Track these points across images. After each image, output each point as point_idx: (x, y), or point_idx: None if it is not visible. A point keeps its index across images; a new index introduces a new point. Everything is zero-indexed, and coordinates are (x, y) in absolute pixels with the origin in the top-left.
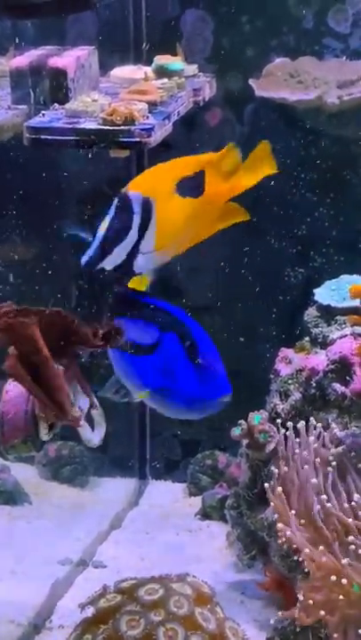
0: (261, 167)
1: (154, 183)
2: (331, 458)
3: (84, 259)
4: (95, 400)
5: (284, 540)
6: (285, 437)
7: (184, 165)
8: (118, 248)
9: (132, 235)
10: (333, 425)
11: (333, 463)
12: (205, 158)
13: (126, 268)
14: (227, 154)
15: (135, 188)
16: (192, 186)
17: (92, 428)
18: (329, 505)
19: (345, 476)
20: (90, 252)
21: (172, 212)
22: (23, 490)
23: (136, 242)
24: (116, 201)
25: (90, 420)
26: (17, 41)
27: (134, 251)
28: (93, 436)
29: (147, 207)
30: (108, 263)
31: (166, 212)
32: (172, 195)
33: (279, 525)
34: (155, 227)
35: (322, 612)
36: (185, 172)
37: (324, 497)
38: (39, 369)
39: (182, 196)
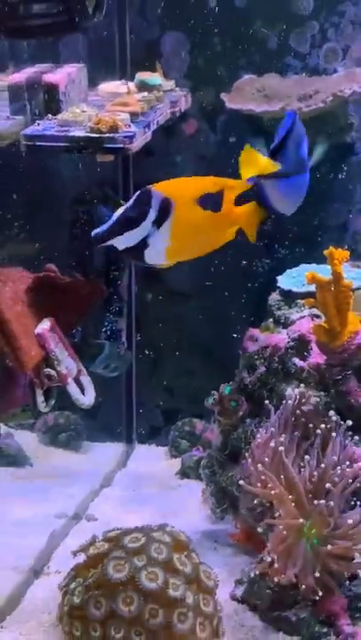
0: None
1: (178, 188)
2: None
3: (94, 233)
4: (82, 367)
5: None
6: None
7: (207, 182)
8: (129, 232)
9: (146, 226)
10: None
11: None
12: (227, 182)
13: (136, 255)
14: (245, 185)
15: (159, 189)
16: (211, 201)
17: (83, 392)
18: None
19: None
20: (100, 229)
21: (190, 219)
22: (25, 453)
23: (149, 234)
24: (137, 193)
25: (80, 386)
26: (15, 59)
27: (145, 240)
28: (84, 397)
29: (165, 206)
30: (119, 243)
31: (184, 217)
32: (192, 203)
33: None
34: (170, 226)
35: (291, 573)
36: (207, 187)
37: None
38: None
39: (202, 207)
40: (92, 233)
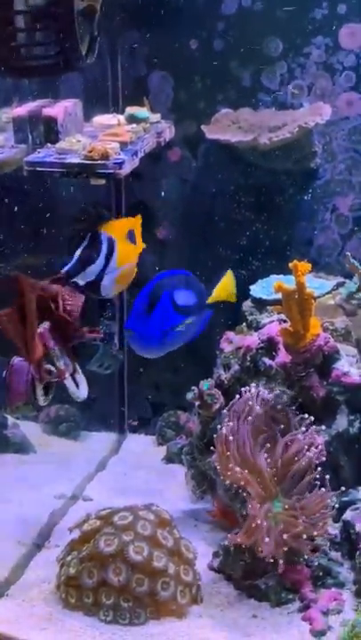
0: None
1: (114, 229)
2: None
3: (65, 269)
4: (77, 366)
5: (228, 474)
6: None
7: (125, 222)
8: (90, 268)
9: (100, 261)
10: (261, 389)
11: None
12: (133, 221)
13: (94, 288)
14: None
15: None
16: (131, 237)
17: (78, 387)
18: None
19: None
20: (69, 266)
21: (125, 251)
22: (30, 442)
23: (103, 267)
24: (88, 236)
25: (75, 383)
26: (19, 95)
27: (102, 274)
28: (79, 391)
29: (110, 243)
30: (82, 279)
31: (122, 250)
32: (125, 239)
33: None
34: (117, 258)
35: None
36: (127, 227)
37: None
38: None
39: (130, 242)
40: (63, 271)
